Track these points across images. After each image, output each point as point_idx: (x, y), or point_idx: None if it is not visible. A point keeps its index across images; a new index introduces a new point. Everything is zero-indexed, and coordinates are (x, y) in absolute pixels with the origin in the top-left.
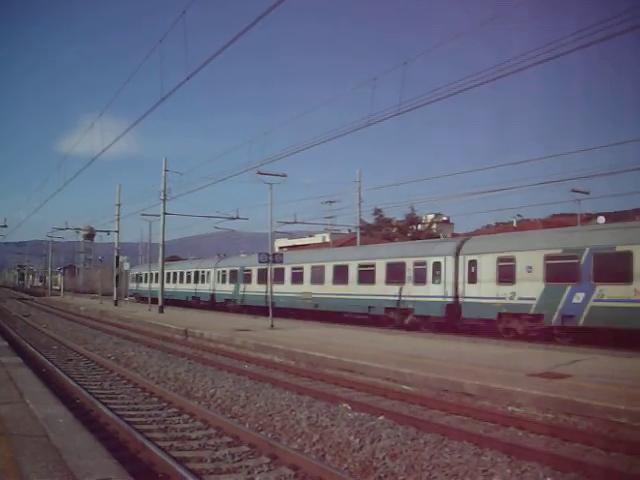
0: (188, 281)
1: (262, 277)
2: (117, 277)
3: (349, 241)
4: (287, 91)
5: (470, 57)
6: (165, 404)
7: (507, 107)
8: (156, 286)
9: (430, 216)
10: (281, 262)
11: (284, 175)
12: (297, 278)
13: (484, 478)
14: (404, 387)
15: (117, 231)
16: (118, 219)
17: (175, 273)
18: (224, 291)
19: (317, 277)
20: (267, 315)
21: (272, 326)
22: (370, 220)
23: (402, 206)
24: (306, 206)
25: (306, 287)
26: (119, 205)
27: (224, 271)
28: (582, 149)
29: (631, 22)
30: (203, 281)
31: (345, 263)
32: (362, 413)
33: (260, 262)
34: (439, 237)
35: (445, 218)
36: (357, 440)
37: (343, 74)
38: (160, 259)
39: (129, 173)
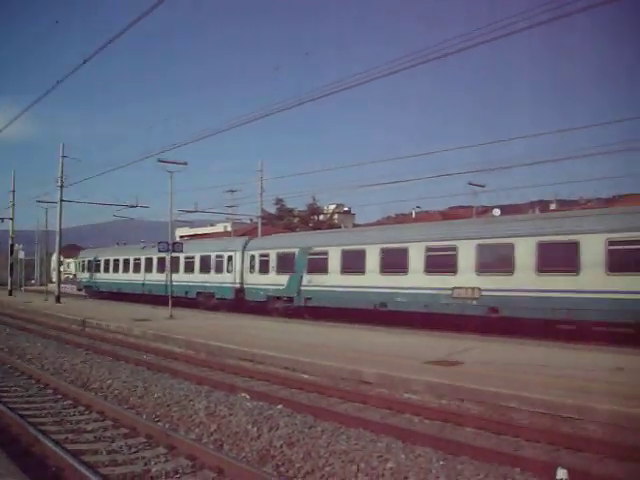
0: (189, 270)
1: (351, 264)
2: (12, 266)
3: (250, 231)
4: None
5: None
6: (60, 396)
7: (417, 95)
8: (137, 277)
9: (332, 206)
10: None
11: (185, 163)
12: (440, 264)
13: (379, 463)
14: (303, 376)
15: (11, 218)
16: (13, 206)
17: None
18: (265, 285)
19: (495, 262)
20: (370, 323)
21: (171, 316)
22: (272, 210)
23: (304, 196)
24: (208, 195)
25: (465, 278)
26: (14, 191)
27: (265, 255)
28: (477, 143)
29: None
30: (219, 270)
31: (573, 238)
32: (261, 402)
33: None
34: (340, 227)
35: (346, 209)
36: (255, 429)
37: (249, 67)
38: (57, 247)
39: (27, 158)
